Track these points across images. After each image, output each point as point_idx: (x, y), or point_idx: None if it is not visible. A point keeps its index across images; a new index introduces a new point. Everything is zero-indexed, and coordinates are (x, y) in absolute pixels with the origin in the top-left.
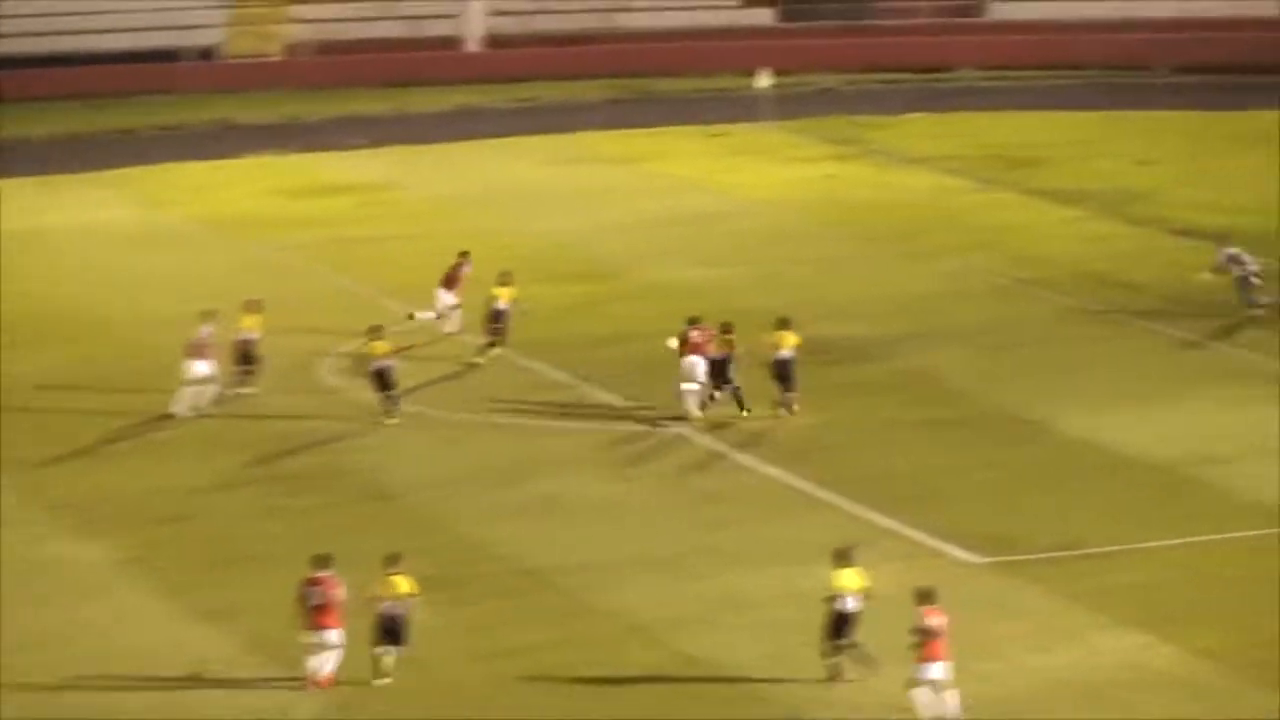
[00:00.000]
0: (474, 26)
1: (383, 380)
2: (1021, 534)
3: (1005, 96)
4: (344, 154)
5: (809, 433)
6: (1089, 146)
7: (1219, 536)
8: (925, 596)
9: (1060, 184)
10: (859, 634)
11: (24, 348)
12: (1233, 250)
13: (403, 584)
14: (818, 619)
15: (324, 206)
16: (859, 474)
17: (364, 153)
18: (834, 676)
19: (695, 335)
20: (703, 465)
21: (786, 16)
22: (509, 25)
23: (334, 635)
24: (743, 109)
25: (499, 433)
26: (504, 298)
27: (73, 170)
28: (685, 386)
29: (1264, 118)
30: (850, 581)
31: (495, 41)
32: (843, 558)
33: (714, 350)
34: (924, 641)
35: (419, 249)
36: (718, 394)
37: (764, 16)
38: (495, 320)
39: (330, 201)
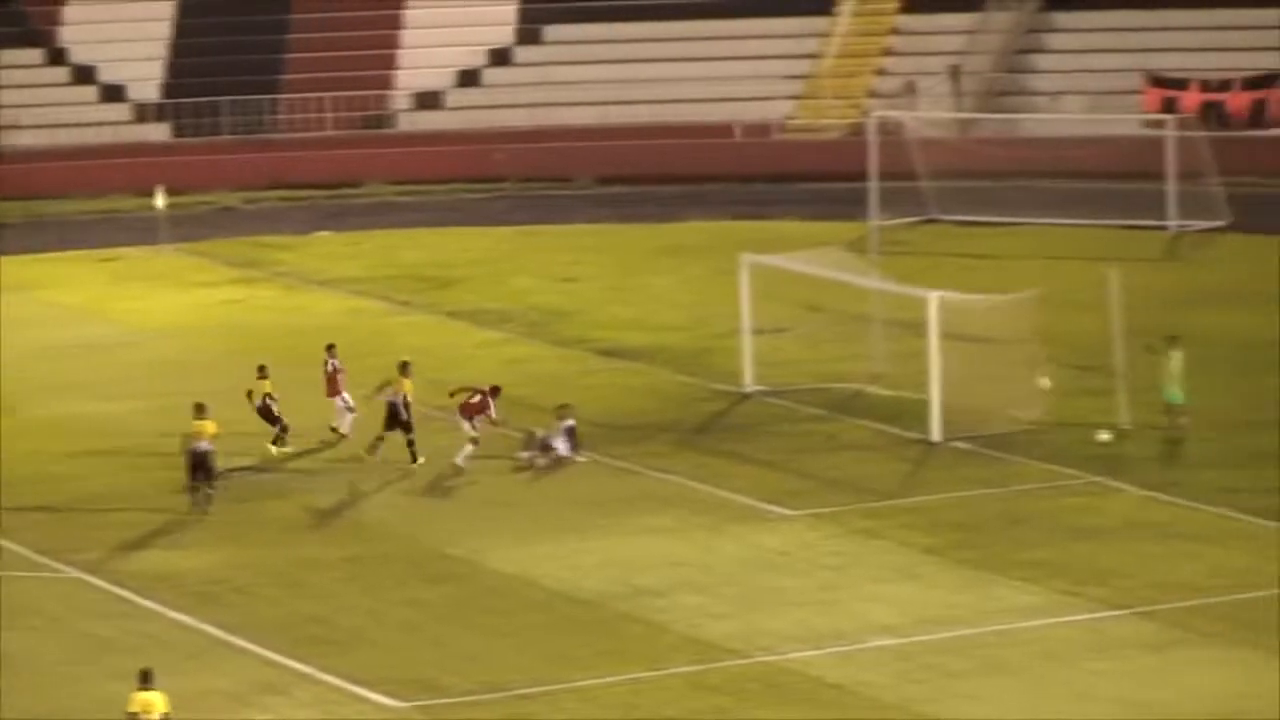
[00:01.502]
0: None
1: None
2: (444, 676)
3: (418, 213)
4: None
5: (218, 573)
6: (508, 264)
7: (654, 673)
8: None
9: (479, 304)
10: None
11: None
12: (543, 434)
13: None
14: None
15: None
16: (271, 617)
17: None
18: None
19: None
20: (104, 611)
21: (182, 131)
22: None
23: None
24: (136, 231)
25: None
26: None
27: None
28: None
29: (687, 229)
30: (146, 706)
31: None
32: (144, 679)
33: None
34: None
35: None
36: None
37: (159, 132)
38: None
39: None
